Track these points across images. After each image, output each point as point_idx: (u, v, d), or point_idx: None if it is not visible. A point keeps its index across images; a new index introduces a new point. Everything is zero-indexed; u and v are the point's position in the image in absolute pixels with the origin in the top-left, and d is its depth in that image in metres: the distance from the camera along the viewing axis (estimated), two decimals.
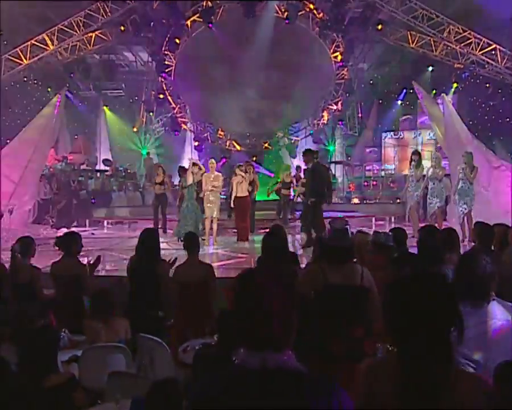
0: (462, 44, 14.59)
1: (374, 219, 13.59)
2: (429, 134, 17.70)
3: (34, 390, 2.52)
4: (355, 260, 3.37)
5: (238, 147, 18.68)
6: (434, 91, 16.27)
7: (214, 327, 3.56)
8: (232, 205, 9.64)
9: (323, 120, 18.21)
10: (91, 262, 4.81)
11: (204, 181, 9.24)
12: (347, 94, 17.05)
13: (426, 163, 11.16)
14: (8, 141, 12.41)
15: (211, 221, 9.34)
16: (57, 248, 4.68)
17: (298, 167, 14.51)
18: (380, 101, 18.98)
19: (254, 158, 17.91)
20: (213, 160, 9.58)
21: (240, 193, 9.44)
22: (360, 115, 19.01)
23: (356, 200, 17.29)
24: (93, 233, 11.94)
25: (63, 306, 4.47)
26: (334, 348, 2.92)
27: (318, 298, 3.12)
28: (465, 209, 9.12)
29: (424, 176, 9.74)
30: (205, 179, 9.25)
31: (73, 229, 11.80)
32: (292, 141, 19.07)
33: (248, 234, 9.57)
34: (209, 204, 9.24)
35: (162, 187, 11.17)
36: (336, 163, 19.02)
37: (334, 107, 17.69)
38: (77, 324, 4.19)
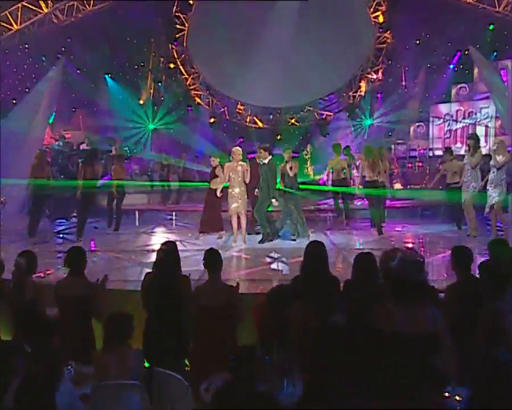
0: None
1: (419, 210, 13.44)
2: (488, 108, 17.22)
3: None
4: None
5: (260, 124, 18.61)
6: (494, 55, 15.78)
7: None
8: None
9: (360, 91, 17.94)
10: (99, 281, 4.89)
11: (226, 171, 9.31)
12: (390, 61, 16.72)
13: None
14: None
15: (238, 217, 9.47)
16: (63, 265, 4.78)
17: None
18: (429, 66, 18.56)
19: (279, 137, 17.88)
20: (238, 149, 9.59)
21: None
22: (404, 83, 18.64)
23: (398, 185, 17.07)
24: (95, 227, 12.11)
25: (69, 331, 4.57)
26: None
27: (382, 347, 3.06)
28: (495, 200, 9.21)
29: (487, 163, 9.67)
30: (227, 169, 9.32)
31: (73, 220, 12.07)
32: (324, 117, 18.89)
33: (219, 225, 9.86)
34: (234, 199, 9.30)
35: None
36: (374, 141, 18.75)
37: (374, 76, 17.38)
38: (85, 353, 4.30)
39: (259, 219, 9.61)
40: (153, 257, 8.65)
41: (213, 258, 4.78)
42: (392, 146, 18.60)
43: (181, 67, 17.36)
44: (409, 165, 17.91)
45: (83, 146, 17.55)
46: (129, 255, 8.82)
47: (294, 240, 9.68)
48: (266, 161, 9.47)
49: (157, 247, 9.52)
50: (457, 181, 10.43)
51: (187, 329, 4.55)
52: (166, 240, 5.21)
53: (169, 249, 4.77)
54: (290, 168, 9.73)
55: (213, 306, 4.51)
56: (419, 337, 3.06)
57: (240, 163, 9.45)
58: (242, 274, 7.39)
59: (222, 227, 9.97)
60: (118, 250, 9.29)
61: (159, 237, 10.87)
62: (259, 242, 9.53)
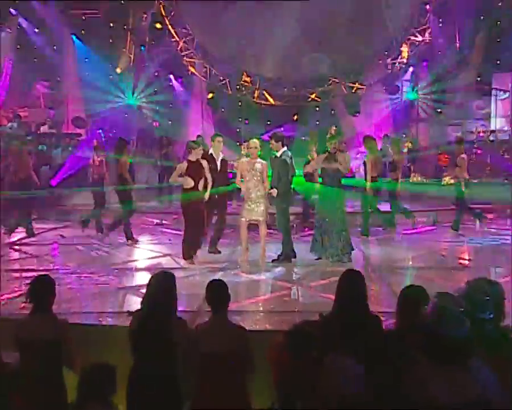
0: None
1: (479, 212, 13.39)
2: None
3: None
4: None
5: (271, 100, 18.64)
6: None
7: None
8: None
9: (401, 58, 17.93)
10: None
11: (239, 170, 9.33)
12: (440, 19, 16.68)
13: None
14: None
15: (261, 226, 9.38)
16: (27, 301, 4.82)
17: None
18: (491, 24, 18.47)
19: (295, 117, 17.90)
20: (255, 141, 9.57)
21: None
22: (458, 46, 18.59)
23: (449, 179, 17.03)
24: (61, 236, 12.20)
25: (33, 385, 4.62)
26: None
27: None
28: None
29: None
30: (241, 167, 9.32)
31: (34, 226, 12.15)
32: (353, 90, 18.87)
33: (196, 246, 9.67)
34: (250, 205, 9.34)
35: None
36: (419, 121, 18.77)
37: (419, 38, 17.34)
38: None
39: (284, 232, 9.59)
40: (137, 278, 9.00)
41: (217, 293, 4.76)
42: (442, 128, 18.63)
43: (170, 27, 17.31)
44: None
45: (44, 129, 17.72)
46: (107, 275, 8.89)
47: (320, 258, 9.63)
48: (279, 154, 9.46)
49: (141, 264, 10.10)
50: None
51: (183, 384, 4.58)
52: (160, 270, 5.18)
53: (163, 284, 4.77)
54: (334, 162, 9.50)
55: (218, 353, 4.52)
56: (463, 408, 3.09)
57: (259, 160, 9.37)
58: (252, 304, 7.43)
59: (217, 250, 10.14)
60: (92, 268, 9.34)
61: (143, 250, 10.97)
62: (273, 262, 9.56)
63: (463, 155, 11.94)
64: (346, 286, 4.59)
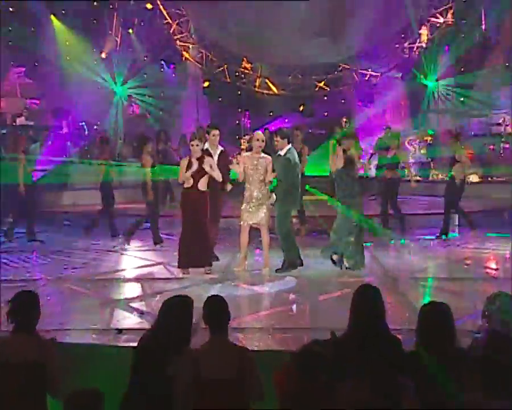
0: None
1: (507, 216, 13.41)
2: None
3: None
4: None
5: (274, 89, 18.65)
6: None
7: None
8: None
9: (420, 42, 17.92)
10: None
11: (241, 165, 9.32)
12: None
13: None
14: None
15: (263, 231, 9.47)
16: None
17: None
18: None
19: (301, 108, 17.91)
20: (260, 133, 9.56)
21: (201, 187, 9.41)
22: (484, 28, 18.58)
23: (475, 177, 17.05)
24: (41, 241, 12.23)
25: None
26: None
27: None
28: None
29: None
30: (244, 162, 9.32)
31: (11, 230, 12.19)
32: (366, 78, 18.91)
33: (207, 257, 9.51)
34: (252, 206, 9.37)
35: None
36: (439, 112, 18.76)
37: (440, 19, 17.34)
38: None
39: (284, 239, 9.55)
40: (126, 290, 9.02)
41: (216, 311, 4.75)
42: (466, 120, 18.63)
43: (161, 7, 17.32)
44: (491, 147, 17.86)
45: (20, 120, 17.72)
46: (92, 287, 8.91)
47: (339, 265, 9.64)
48: (283, 152, 9.47)
49: (131, 274, 10.11)
50: None
51: None
52: (181, 294, 5.10)
53: (178, 313, 4.72)
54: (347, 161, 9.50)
55: (219, 380, 4.52)
56: None
57: (263, 155, 9.42)
58: (254, 319, 7.42)
59: (209, 260, 9.63)
60: (75, 279, 9.36)
61: (133, 258, 11.03)
62: (277, 271, 9.58)
63: (464, 151, 11.94)
64: (361, 303, 4.59)
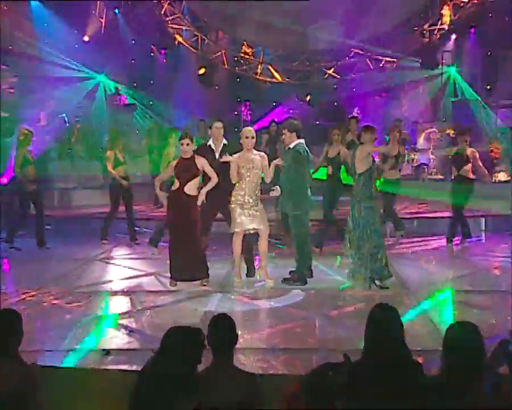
0: None
1: None
2: None
3: None
4: None
5: (278, 76, 18.67)
6: None
7: None
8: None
9: (442, 24, 17.94)
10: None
11: (235, 166, 9.28)
12: None
13: None
14: None
15: (262, 237, 9.51)
16: None
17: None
18: None
19: (308, 98, 17.88)
20: (251, 129, 9.53)
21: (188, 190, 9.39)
22: None
23: (503, 176, 17.04)
24: (17, 248, 12.25)
25: None
26: None
27: None
28: None
29: None
30: (236, 163, 9.29)
31: None
32: (381, 64, 19.03)
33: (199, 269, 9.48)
34: (247, 211, 9.36)
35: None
36: (463, 104, 18.74)
37: None
38: None
39: (298, 246, 9.56)
40: (112, 304, 8.98)
41: (223, 333, 4.75)
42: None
43: None
44: None
45: None
46: (75, 301, 8.89)
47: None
48: (292, 145, 9.45)
49: (118, 286, 10.07)
50: None
51: None
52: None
53: (185, 344, 4.67)
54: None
55: (224, 406, 4.54)
56: None
57: (258, 152, 9.46)
58: (257, 339, 7.40)
59: (205, 270, 9.58)
60: (56, 291, 9.34)
61: (120, 268, 11.05)
62: (284, 281, 9.61)
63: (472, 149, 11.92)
64: (377, 326, 4.57)
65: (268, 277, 9.54)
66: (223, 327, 4.74)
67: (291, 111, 19.03)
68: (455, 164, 11.96)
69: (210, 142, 9.84)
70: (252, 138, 9.38)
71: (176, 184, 9.29)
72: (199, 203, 9.27)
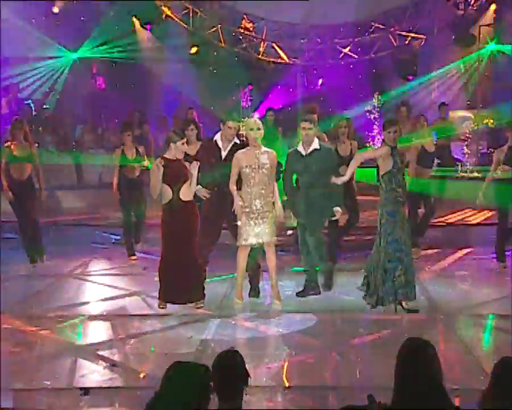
0: None
1: None
2: None
3: None
4: None
5: (284, 57, 18.83)
6: None
7: None
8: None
9: None
10: None
11: (236, 166, 9.26)
12: None
13: None
14: None
15: (269, 252, 9.46)
16: None
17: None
18: None
19: (320, 81, 17.85)
20: (254, 120, 9.51)
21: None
22: None
23: None
24: None
25: None
26: None
27: None
28: None
29: None
30: (238, 162, 9.26)
31: None
32: (407, 42, 19.01)
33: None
34: (253, 221, 9.33)
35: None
36: (504, 87, 18.74)
37: None
38: None
39: (315, 248, 9.63)
40: (90, 332, 8.92)
41: (229, 373, 4.72)
42: None
43: None
44: None
45: None
46: (47, 326, 8.82)
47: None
48: (317, 143, 9.53)
49: (97, 308, 9.91)
50: None
51: None
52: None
53: (190, 385, 4.64)
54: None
55: None
56: None
57: (265, 149, 9.38)
58: (265, 374, 7.32)
59: (201, 291, 9.48)
60: (22, 315, 9.30)
61: (101, 286, 11.01)
62: (299, 295, 9.69)
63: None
64: (411, 366, 4.53)
65: (278, 298, 9.51)
66: (231, 370, 4.70)
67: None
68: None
69: (217, 138, 9.80)
70: (258, 129, 9.25)
71: (168, 192, 9.26)
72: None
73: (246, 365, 6.86)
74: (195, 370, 4.46)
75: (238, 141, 9.83)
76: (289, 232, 11.96)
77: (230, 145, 9.68)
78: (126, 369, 7.33)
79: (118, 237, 13.47)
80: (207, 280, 9.65)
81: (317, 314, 9.21)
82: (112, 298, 10.26)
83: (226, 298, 9.96)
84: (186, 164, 9.23)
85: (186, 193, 9.17)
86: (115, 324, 8.96)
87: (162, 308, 9.25)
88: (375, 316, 8.97)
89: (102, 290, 10.73)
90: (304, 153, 9.51)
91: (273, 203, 9.39)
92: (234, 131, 9.74)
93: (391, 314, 8.85)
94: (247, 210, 9.25)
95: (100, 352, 7.82)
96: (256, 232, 9.29)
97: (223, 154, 9.66)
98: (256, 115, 19.18)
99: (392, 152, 8.97)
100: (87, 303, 10.14)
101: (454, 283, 11.00)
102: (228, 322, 8.92)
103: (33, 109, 19.23)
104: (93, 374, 7.24)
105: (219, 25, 18.57)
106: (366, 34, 19.07)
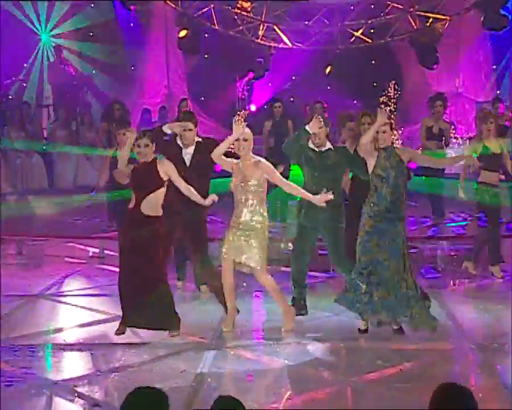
0: None
1: None
2: None
3: None
4: None
5: (287, 41, 18.92)
6: None
7: None
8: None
9: None
10: None
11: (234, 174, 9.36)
12: None
13: None
14: None
15: (259, 279, 9.58)
16: None
17: None
18: None
19: (328, 69, 17.88)
20: (247, 130, 9.60)
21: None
22: None
23: None
24: None
25: None
26: None
27: None
28: None
29: None
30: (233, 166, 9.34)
31: None
32: (428, 24, 18.96)
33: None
34: (240, 241, 9.40)
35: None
36: None
37: None
38: None
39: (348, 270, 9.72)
40: (68, 363, 8.93)
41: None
42: None
43: None
44: None
45: None
46: (16, 357, 8.81)
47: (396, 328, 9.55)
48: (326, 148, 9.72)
49: (75, 335, 9.84)
50: None
51: None
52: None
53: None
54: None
55: None
56: None
57: (257, 158, 9.46)
58: None
59: (175, 319, 9.39)
60: None
61: (77, 309, 11.03)
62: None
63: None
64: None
65: (289, 322, 9.53)
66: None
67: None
68: None
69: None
70: (245, 140, 9.28)
71: (132, 200, 9.26)
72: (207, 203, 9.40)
73: (246, 404, 6.90)
74: (153, 397, 4.51)
75: (200, 139, 10.19)
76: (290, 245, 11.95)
77: (193, 145, 10.00)
78: (108, 408, 7.31)
79: (97, 250, 13.51)
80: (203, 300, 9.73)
81: (328, 342, 9.21)
82: (91, 324, 10.22)
83: (222, 323, 9.85)
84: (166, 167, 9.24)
85: (150, 205, 9.15)
86: (95, 355, 8.91)
87: (119, 334, 9.22)
88: (394, 346, 8.96)
89: (79, 313, 10.71)
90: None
91: (263, 219, 9.43)
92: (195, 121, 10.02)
93: (412, 343, 8.89)
94: (232, 224, 9.43)
95: (79, 389, 7.75)
96: (239, 250, 9.35)
97: (189, 151, 10.02)
98: (253, 107, 19.49)
99: None
100: (62, 329, 10.07)
101: (487, 306, 10.89)
102: (227, 353, 8.96)
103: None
104: None
105: (212, 5, 18.61)
106: (381, 15, 19.13)
